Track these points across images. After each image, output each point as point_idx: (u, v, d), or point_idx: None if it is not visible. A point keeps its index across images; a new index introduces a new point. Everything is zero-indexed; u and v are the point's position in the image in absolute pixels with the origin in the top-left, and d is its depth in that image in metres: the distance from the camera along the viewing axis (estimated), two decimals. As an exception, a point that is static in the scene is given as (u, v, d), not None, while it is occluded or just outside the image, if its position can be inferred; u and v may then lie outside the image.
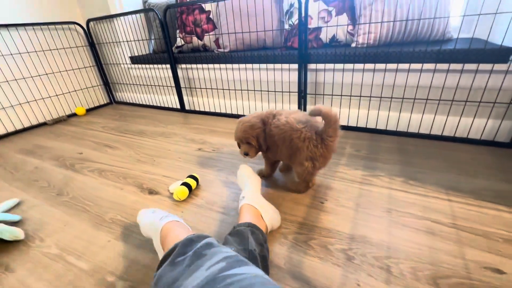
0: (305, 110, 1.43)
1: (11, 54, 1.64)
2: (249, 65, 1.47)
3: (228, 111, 1.69)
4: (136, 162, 1.20)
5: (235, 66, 1.51)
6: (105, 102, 2.24)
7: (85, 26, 1.97)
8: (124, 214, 0.86)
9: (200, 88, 1.73)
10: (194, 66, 1.65)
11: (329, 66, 1.27)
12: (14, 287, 0.64)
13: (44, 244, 0.76)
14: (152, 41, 1.91)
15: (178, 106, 1.87)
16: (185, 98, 1.83)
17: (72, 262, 0.69)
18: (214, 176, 1.02)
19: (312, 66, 1.31)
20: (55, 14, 1.82)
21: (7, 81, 1.64)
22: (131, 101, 2.16)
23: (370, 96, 1.25)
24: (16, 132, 1.70)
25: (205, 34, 1.65)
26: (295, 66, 1.33)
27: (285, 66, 1.37)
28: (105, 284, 0.62)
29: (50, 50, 1.82)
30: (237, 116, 1.63)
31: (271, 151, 0.88)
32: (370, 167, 1.00)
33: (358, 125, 1.32)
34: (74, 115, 2.00)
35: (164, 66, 1.76)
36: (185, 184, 0.91)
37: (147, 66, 1.86)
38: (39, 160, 1.29)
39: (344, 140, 1.22)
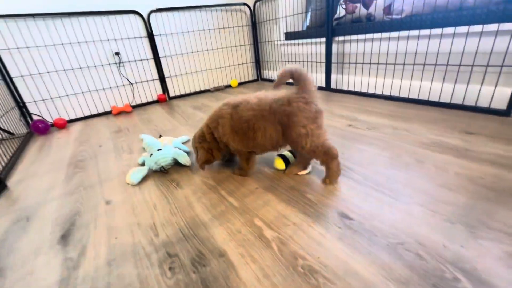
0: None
1: (187, 32, 2.02)
2: (436, 31, 1.12)
3: (379, 92, 1.41)
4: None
5: (412, 33, 1.20)
6: (253, 78, 2.45)
7: (252, 7, 2.18)
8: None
9: (355, 63, 1.53)
10: (354, 37, 1.46)
11: None
12: (182, 200, 0.71)
13: (203, 174, 0.83)
14: (308, 16, 1.86)
15: (323, 85, 1.75)
16: (333, 76, 1.68)
17: (224, 195, 0.70)
18: (373, 154, 0.83)
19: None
20: (232, -4, 2.11)
21: (186, 53, 2.04)
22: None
23: None
24: (188, 94, 2.11)
25: (374, 0, 1.42)
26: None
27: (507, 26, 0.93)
28: (253, 225, 0.58)
29: (219, 28, 2.12)
30: (391, 98, 1.33)
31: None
32: None
33: None
34: (229, 86, 2.29)
35: (319, 40, 1.67)
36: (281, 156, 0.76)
37: (301, 41, 1.83)
38: (204, 114, 1.51)
39: None
